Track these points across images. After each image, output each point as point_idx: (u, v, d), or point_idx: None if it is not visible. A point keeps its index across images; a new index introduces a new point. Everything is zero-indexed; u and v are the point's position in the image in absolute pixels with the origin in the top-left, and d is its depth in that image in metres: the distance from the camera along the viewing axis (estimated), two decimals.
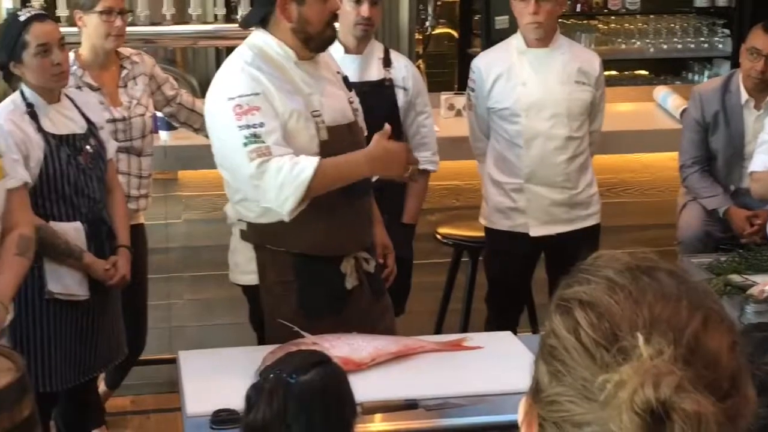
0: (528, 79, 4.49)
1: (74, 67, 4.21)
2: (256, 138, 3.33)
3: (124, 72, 4.42)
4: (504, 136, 4.55)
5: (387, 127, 3.51)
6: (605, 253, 1.13)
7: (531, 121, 4.48)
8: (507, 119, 4.52)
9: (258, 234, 3.55)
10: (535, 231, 4.56)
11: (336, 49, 4.17)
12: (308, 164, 3.32)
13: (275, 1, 3.46)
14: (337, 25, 4.24)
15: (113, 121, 4.27)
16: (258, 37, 3.54)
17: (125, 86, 4.41)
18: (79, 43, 4.36)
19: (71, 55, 4.20)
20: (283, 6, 3.45)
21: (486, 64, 4.62)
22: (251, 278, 3.60)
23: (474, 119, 4.71)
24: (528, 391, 1.11)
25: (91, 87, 4.29)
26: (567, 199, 4.54)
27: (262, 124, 3.35)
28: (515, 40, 4.57)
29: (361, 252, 3.66)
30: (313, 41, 3.50)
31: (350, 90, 3.74)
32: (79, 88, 4.21)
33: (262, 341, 3.67)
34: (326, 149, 3.46)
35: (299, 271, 3.53)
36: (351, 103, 3.68)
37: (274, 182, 3.33)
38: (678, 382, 0.97)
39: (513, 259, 4.65)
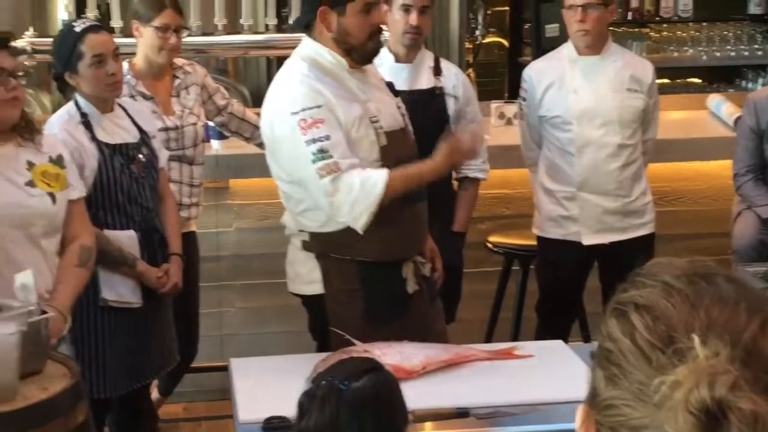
0: (579, 86, 4.48)
1: (128, 77, 4.25)
2: (323, 153, 3.36)
3: (177, 82, 4.47)
4: (556, 144, 4.54)
5: (454, 135, 3.60)
6: (662, 259, 1.12)
7: (583, 129, 4.46)
8: (559, 127, 4.51)
9: (321, 243, 3.57)
10: (588, 239, 4.53)
11: (386, 58, 4.18)
12: (378, 180, 3.36)
13: (316, 9, 3.48)
14: (387, 34, 4.28)
15: (165, 129, 4.31)
16: (309, 47, 3.55)
17: (177, 96, 4.45)
18: (133, 54, 4.40)
19: (125, 64, 4.25)
20: (324, 15, 3.47)
21: (537, 72, 4.61)
22: (314, 288, 3.62)
23: (526, 128, 4.70)
24: (585, 399, 1.10)
25: (144, 96, 4.34)
26: (620, 207, 4.52)
27: (327, 137, 3.37)
28: (566, 49, 4.56)
29: (418, 256, 3.68)
30: (355, 52, 3.51)
31: (396, 96, 3.75)
32: (132, 97, 4.26)
33: (322, 350, 3.67)
34: (385, 154, 3.49)
35: (364, 279, 3.55)
36: (399, 108, 3.69)
37: (346, 199, 3.37)
38: (734, 381, 0.95)
39: (565, 268, 4.62)
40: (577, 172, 4.50)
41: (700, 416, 0.95)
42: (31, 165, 3.32)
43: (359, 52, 3.52)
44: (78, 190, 3.50)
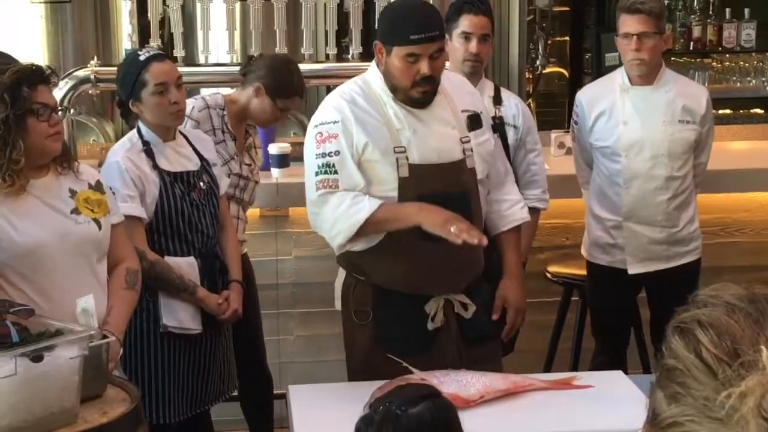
0: (629, 118, 4.45)
1: (224, 112, 4.31)
2: (328, 168, 3.40)
3: (249, 139, 4.49)
4: (605, 172, 4.54)
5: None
6: (720, 284, 1.12)
7: (631, 162, 4.44)
8: (608, 157, 4.50)
9: (345, 261, 3.61)
10: (633, 268, 4.53)
11: None
12: (366, 206, 3.36)
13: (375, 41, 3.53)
14: (447, 63, 4.28)
15: (238, 176, 4.33)
16: (370, 70, 3.60)
17: (247, 151, 4.47)
18: (194, 84, 4.44)
19: (219, 96, 4.32)
20: (378, 49, 3.51)
21: (589, 99, 4.60)
22: (339, 304, 3.65)
23: (577, 149, 4.72)
24: (644, 423, 1.10)
25: (232, 136, 4.34)
26: (666, 237, 4.50)
27: (337, 152, 3.41)
28: (619, 76, 4.53)
29: (458, 295, 3.60)
30: (398, 93, 3.50)
31: (476, 128, 3.65)
32: (223, 132, 4.28)
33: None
34: (406, 186, 3.45)
35: (377, 303, 3.54)
36: (465, 142, 3.57)
37: (331, 215, 3.40)
38: None
39: (612, 293, 4.64)
40: (624, 203, 4.48)
41: None
42: (73, 193, 3.35)
43: (401, 95, 3.49)
44: (117, 214, 3.53)
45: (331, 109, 3.50)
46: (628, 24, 4.38)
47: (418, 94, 3.48)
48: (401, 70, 3.44)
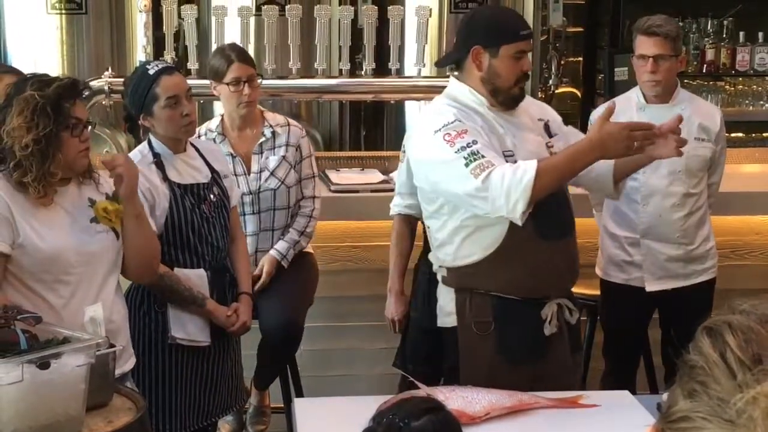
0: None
1: (215, 134, 4.40)
2: (475, 155, 3.35)
3: (262, 139, 4.47)
4: None
5: (610, 105, 3.51)
6: (765, 298, 1.15)
7: (648, 178, 4.45)
8: None
9: (458, 277, 3.59)
10: (651, 286, 4.53)
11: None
12: (529, 167, 3.31)
13: (470, 48, 3.53)
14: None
15: (241, 194, 4.36)
16: (452, 86, 3.62)
17: (261, 153, 4.48)
18: (207, 96, 4.47)
19: (215, 120, 4.35)
20: (477, 54, 3.52)
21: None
22: (451, 320, 3.62)
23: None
24: (657, 419, 1.12)
25: (231, 156, 4.40)
26: (683, 254, 4.51)
27: (475, 142, 3.37)
28: (635, 95, 4.55)
29: (565, 299, 3.64)
30: (500, 95, 3.54)
31: (551, 136, 3.71)
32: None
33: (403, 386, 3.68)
34: None
35: (497, 312, 3.54)
36: (550, 147, 3.64)
37: (500, 189, 3.31)
38: None
39: (628, 312, 4.63)
40: (641, 220, 4.49)
41: None
42: (92, 202, 3.38)
43: (504, 95, 3.54)
44: None
45: (445, 113, 3.47)
46: (645, 46, 4.40)
47: (519, 90, 3.57)
48: (509, 68, 3.51)
